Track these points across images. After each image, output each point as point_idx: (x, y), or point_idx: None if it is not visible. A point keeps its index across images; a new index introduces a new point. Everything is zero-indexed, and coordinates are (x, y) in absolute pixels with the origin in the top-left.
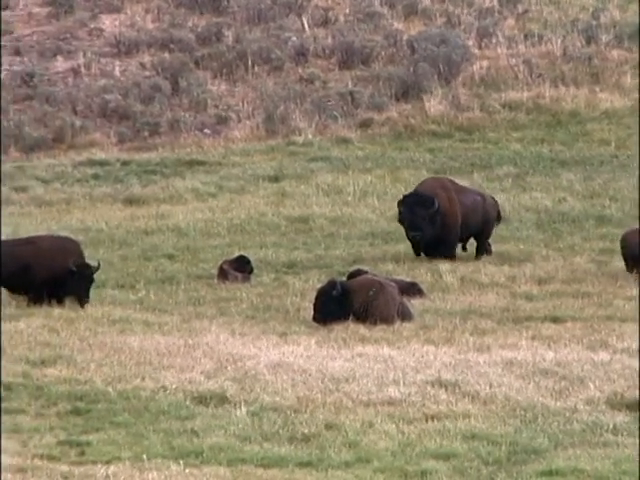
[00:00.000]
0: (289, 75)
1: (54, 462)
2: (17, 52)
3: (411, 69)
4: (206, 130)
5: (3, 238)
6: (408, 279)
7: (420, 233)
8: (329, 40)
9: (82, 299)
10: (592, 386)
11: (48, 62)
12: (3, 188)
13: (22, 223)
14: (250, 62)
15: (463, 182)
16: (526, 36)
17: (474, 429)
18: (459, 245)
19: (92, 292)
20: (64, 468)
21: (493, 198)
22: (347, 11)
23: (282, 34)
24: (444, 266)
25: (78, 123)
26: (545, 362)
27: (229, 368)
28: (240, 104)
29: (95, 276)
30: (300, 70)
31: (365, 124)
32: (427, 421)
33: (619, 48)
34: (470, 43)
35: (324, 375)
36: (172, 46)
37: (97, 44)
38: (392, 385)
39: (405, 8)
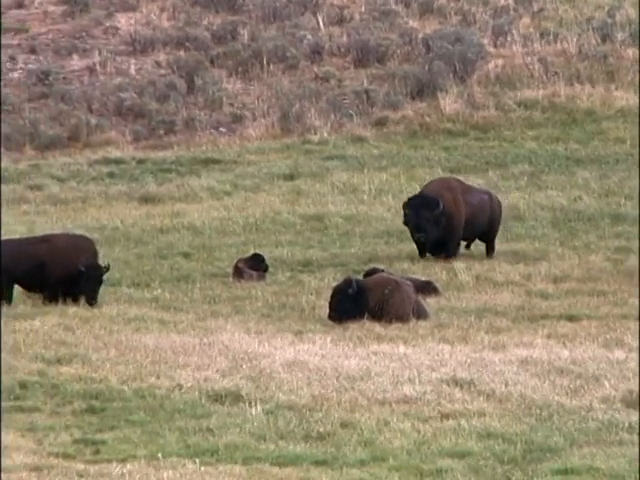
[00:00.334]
0: (304, 73)
1: (69, 460)
2: (33, 50)
3: (426, 67)
4: (221, 128)
5: (18, 236)
6: (423, 277)
7: (425, 234)
8: (344, 38)
9: (90, 299)
10: (607, 384)
11: (64, 60)
12: (18, 186)
13: (38, 221)
14: (265, 60)
15: (479, 180)
16: (541, 34)
17: (489, 427)
18: (463, 243)
19: (107, 290)
20: (79, 466)
21: (496, 196)
22: (362, 9)
23: (297, 32)
24: (459, 264)
25: (94, 121)
26: (560, 360)
27: (244, 366)
28: (255, 102)
29: (110, 275)
30: (315, 68)
31: (380, 122)
32: (442, 419)
33: (634, 46)
34: (485, 41)
35: (339, 373)
36: (187, 44)
37: (113, 42)
38: (407, 383)
39: (420, 6)
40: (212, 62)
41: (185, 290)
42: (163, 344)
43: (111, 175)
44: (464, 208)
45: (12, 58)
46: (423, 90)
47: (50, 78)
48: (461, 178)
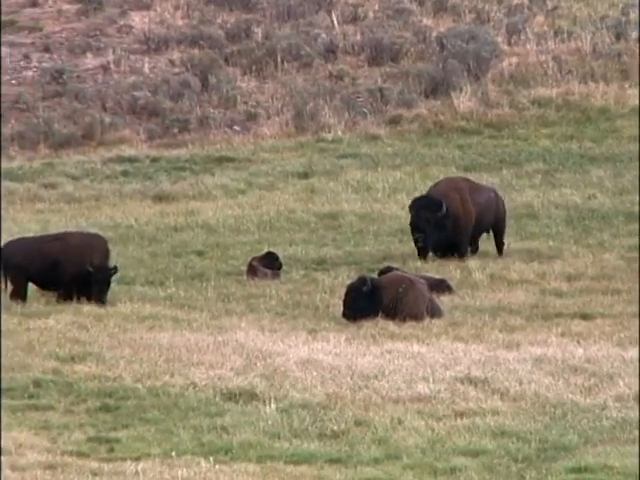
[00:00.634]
0: (318, 72)
1: (83, 459)
2: (46, 49)
3: (440, 66)
4: (235, 127)
5: (32, 235)
6: (437, 276)
7: (422, 236)
8: (358, 37)
9: (98, 300)
10: (621, 383)
11: (77, 59)
12: (32, 185)
13: (52, 220)
14: (279, 59)
15: (493, 179)
16: (555, 33)
17: (503, 426)
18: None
19: (122, 289)
20: (93, 465)
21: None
22: (376, 8)
23: (311, 31)
24: (473, 263)
25: (107, 120)
26: (575, 359)
27: (258, 365)
28: (269, 101)
29: (124, 273)
30: (329, 67)
31: (394, 121)
32: (456, 418)
33: None
34: (499, 40)
35: (353, 372)
36: (201, 43)
37: (126, 41)
38: (421, 382)
39: (434, 4)
40: (226, 60)
41: (199, 288)
42: (177, 342)
43: (125, 173)
44: (473, 207)
45: (26, 57)
46: (437, 88)
47: (64, 77)
48: (470, 177)
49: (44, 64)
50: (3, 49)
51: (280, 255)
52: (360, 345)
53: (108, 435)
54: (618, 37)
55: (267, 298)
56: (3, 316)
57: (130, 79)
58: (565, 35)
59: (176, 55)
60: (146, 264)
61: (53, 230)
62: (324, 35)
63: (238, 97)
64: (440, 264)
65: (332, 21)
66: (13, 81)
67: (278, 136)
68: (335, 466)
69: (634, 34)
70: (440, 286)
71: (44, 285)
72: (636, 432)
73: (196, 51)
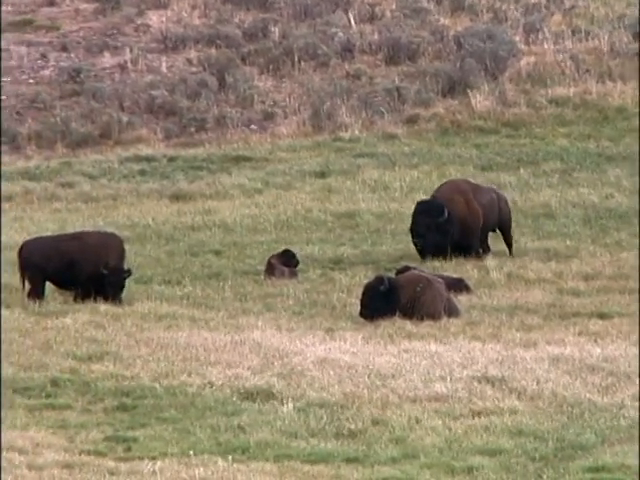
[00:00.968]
0: (335, 71)
1: (101, 458)
2: (64, 48)
3: (457, 65)
4: (252, 126)
5: (49, 234)
6: (455, 275)
7: (422, 240)
8: (375, 36)
9: (113, 300)
10: (639, 382)
11: (95, 58)
12: (49, 184)
13: (69, 219)
14: (296, 58)
15: (510, 178)
16: (573, 32)
17: (521, 425)
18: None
19: (139, 288)
20: (111, 464)
21: (504, 194)
22: (393, 7)
23: (328, 30)
24: (491, 262)
25: (125, 119)
26: (592, 358)
27: (275, 364)
28: (286, 100)
29: (141, 272)
30: (346, 66)
31: (411, 120)
32: (474, 417)
33: None
34: (517, 39)
35: (370, 371)
36: (219, 42)
37: (144, 40)
38: (439, 381)
39: (452, 3)
40: (243, 60)
41: (216, 287)
42: (194, 341)
43: (142, 173)
44: (479, 207)
45: (43, 56)
46: (454, 87)
47: (81, 76)
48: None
49: (61, 63)
50: (21, 48)
51: (297, 254)
52: (377, 344)
53: (125, 434)
54: (635, 36)
55: (284, 297)
56: (20, 316)
57: (147, 78)
58: (582, 34)
59: (193, 54)
60: (163, 263)
61: (70, 229)
62: (341, 34)
63: (255, 96)
64: (458, 263)
65: (349, 20)
66: (31, 80)
67: (295, 135)
68: (352, 465)
69: None
70: (458, 285)
71: (61, 284)
72: None
73: (213, 50)
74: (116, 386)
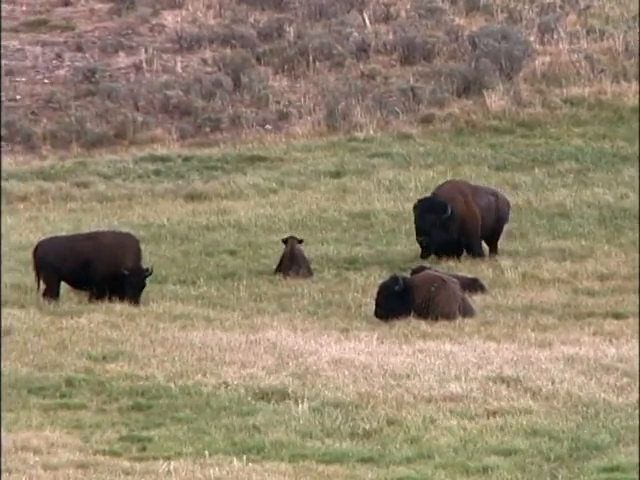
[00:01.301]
0: (350, 71)
1: (115, 458)
2: (79, 48)
3: (472, 65)
4: (267, 126)
5: (64, 234)
6: (470, 275)
7: (427, 238)
8: (390, 36)
9: (132, 301)
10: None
11: (110, 58)
12: (64, 184)
13: (84, 219)
14: (311, 58)
15: (525, 178)
16: (588, 32)
17: (536, 425)
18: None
19: (154, 288)
20: (125, 464)
21: (502, 194)
22: (408, 7)
23: (343, 30)
24: (505, 262)
25: (140, 119)
26: (607, 358)
27: (290, 364)
28: (301, 100)
29: (156, 272)
30: (361, 66)
31: (426, 120)
32: (489, 417)
33: None
34: (532, 39)
35: (385, 371)
36: (234, 42)
37: (159, 40)
38: (453, 381)
39: (467, 4)
40: (258, 59)
41: (231, 287)
42: (209, 341)
43: (157, 173)
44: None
45: (59, 56)
46: (469, 87)
47: (96, 76)
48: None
49: (76, 63)
50: (36, 48)
51: (312, 254)
52: (392, 344)
53: (140, 434)
54: None
55: (299, 297)
56: (35, 316)
57: (162, 78)
58: (597, 34)
59: (208, 54)
60: (178, 263)
61: (85, 229)
62: (356, 34)
63: (270, 96)
64: (472, 263)
65: (364, 20)
66: (46, 80)
67: (310, 135)
68: (367, 465)
69: None
70: (472, 285)
71: (76, 284)
72: None
73: (228, 50)
74: (131, 386)
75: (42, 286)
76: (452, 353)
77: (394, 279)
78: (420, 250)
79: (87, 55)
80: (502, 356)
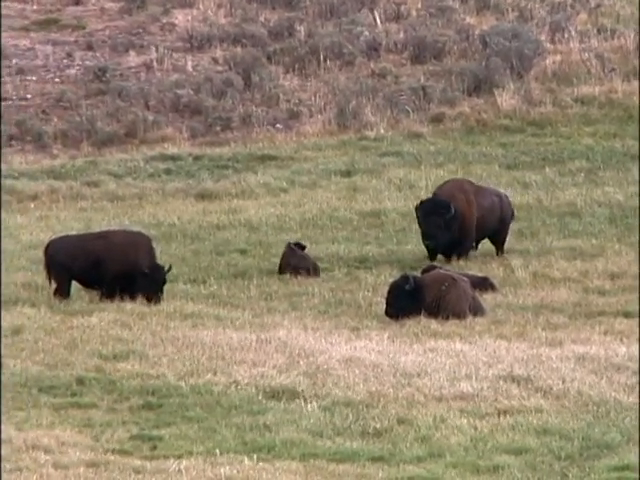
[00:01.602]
0: (361, 70)
1: (126, 457)
2: (90, 47)
3: (483, 64)
4: (278, 125)
5: (74, 233)
6: (480, 274)
7: (434, 241)
8: (401, 35)
9: (153, 299)
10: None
11: (120, 57)
12: (75, 183)
13: (94, 218)
14: (322, 57)
15: (535, 177)
16: (599, 30)
17: (546, 424)
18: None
19: (164, 287)
20: (136, 462)
21: (507, 196)
22: (419, 6)
23: (354, 29)
24: (516, 261)
25: (150, 118)
26: (618, 357)
27: (301, 363)
28: (312, 99)
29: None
30: (372, 65)
31: (437, 119)
32: (499, 416)
33: None
34: (542, 37)
35: (396, 370)
36: (244, 41)
37: (169, 39)
38: (464, 380)
39: (477, 2)
40: (269, 58)
41: (242, 286)
42: (220, 340)
43: (168, 172)
44: (476, 209)
45: (69, 55)
46: (480, 86)
47: (107, 75)
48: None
49: (87, 62)
50: (47, 47)
51: (322, 253)
52: (403, 343)
53: (151, 433)
54: None
55: (309, 296)
56: (46, 314)
57: (173, 77)
58: (608, 33)
59: (219, 53)
60: (189, 262)
61: (96, 228)
62: (367, 33)
63: (281, 95)
64: (483, 262)
65: (375, 19)
66: (56, 79)
67: (320, 134)
68: (378, 464)
69: None
70: (483, 284)
71: (87, 283)
72: None
73: (239, 49)
74: (142, 385)
75: (53, 285)
76: (463, 352)
77: (405, 278)
78: (427, 252)
79: (98, 54)
80: (513, 355)
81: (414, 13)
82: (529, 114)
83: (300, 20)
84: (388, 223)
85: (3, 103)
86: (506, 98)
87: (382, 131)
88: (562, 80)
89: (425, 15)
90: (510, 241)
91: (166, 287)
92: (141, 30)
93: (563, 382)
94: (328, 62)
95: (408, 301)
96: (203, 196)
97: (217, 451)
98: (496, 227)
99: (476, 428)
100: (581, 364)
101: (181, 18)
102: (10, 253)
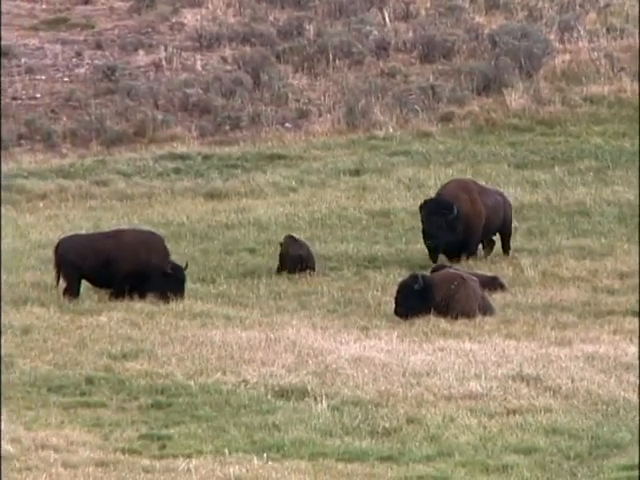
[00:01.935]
0: (370, 69)
1: (135, 456)
2: (99, 46)
3: (492, 63)
4: (287, 124)
5: (84, 232)
6: (489, 273)
7: (435, 241)
8: (410, 34)
9: (176, 296)
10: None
11: (130, 56)
12: (84, 182)
13: (103, 217)
14: (331, 56)
15: (545, 176)
16: (608, 30)
17: (555, 423)
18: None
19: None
20: (145, 462)
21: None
22: (428, 5)
23: (363, 28)
24: (525, 260)
25: (159, 117)
26: (627, 356)
27: (310, 362)
28: (321, 98)
29: None
30: (381, 64)
31: (446, 118)
32: (508, 415)
33: None
34: (552, 37)
35: (405, 369)
36: (253, 40)
37: (178, 38)
38: (473, 379)
39: (486, 2)
40: (278, 58)
41: (251, 286)
42: (229, 340)
43: (177, 171)
44: (483, 208)
45: (78, 54)
46: (489, 86)
47: (116, 74)
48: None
49: (96, 61)
50: (56, 46)
51: (332, 253)
52: (412, 342)
53: (160, 432)
54: None
55: (319, 295)
56: (55, 314)
57: (182, 76)
58: (617, 32)
59: (228, 52)
60: (198, 261)
61: (105, 227)
62: (376, 32)
63: (290, 94)
64: (492, 261)
65: (384, 18)
66: (66, 78)
67: (329, 133)
68: (387, 463)
69: None
70: (492, 283)
71: (97, 282)
72: None
73: (248, 48)
74: (151, 384)
75: (61, 284)
76: (472, 351)
77: (414, 277)
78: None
79: (107, 53)
80: (522, 354)
81: (423, 12)
82: (538, 113)
83: (309, 19)
84: (397, 222)
85: (13, 102)
86: (515, 97)
87: (391, 130)
88: (571, 79)
89: (434, 14)
90: (519, 240)
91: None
92: (150, 29)
93: (572, 381)
94: (337, 61)
95: (417, 300)
96: (212, 195)
97: (226, 450)
98: (500, 226)
99: (485, 427)
100: (590, 363)
101: (190, 17)
102: (19, 252)
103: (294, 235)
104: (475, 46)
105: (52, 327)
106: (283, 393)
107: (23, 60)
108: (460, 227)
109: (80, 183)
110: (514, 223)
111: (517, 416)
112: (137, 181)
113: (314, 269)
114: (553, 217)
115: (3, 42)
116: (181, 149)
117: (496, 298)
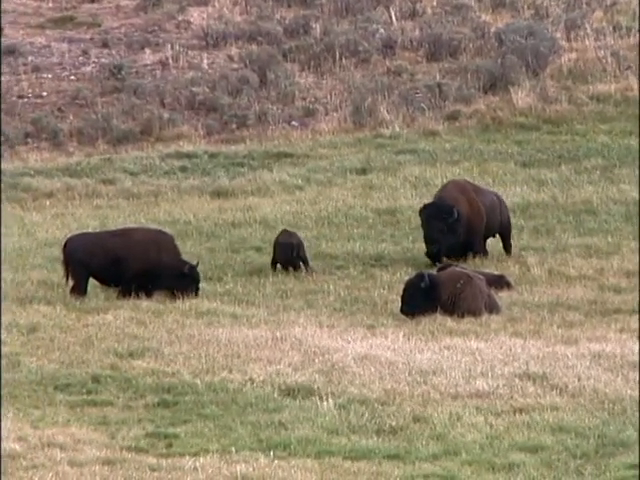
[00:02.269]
0: (376, 67)
1: (142, 454)
2: (105, 45)
3: (499, 61)
4: (294, 122)
5: (91, 230)
6: (496, 272)
7: (437, 246)
8: (417, 32)
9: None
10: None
11: (136, 55)
12: (91, 181)
13: (110, 216)
14: (338, 54)
15: (551, 174)
16: (614, 28)
17: (562, 422)
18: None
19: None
20: (152, 460)
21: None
22: (434, 3)
23: (370, 26)
24: (532, 259)
25: (166, 116)
26: (633, 355)
27: (316, 360)
28: (328, 96)
29: None
30: (388, 62)
31: (452, 116)
32: (515, 414)
33: None
34: (558, 35)
35: (411, 367)
36: (260, 39)
37: (185, 37)
38: (480, 378)
39: (493, 0)
40: (284, 56)
41: (257, 284)
42: (235, 338)
43: (183, 169)
44: (482, 207)
45: (85, 52)
46: (495, 84)
47: (122, 72)
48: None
49: (102, 60)
50: (62, 45)
51: (338, 251)
52: (418, 341)
53: (166, 431)
54: None
55: (325, 294)
56: (62, 312)
57: (188, 75)
58: (624, 30)
59: (234, 51)
60: (204, 260)
61: (111, 226)
62: (382, 31)
63: (296, 93)
64: (498, 260)
65: (390, 17)
66: (72, 77)
67: (336, 132)
68: (393, 462)
69: None
70: (498, 282)
71: (106, 281)
72: None
73: (254, 47)
74: (157, 382)
75: (70, 282)
76: (478, 350)
77: (420, 276)
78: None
79: (113, 52)
80: (528, 353)
81: (429, 11)
82: (545, 112)
83: (316, 18)
84: (404, 221)
85: (20, 101)
86: (522, 96)
87: (397, 129)
88: (578, 78)
89: (440, 12)
90: (526, 239)
91: None
92: (157, 28)
93: (579, 380)
94: (344, 60)
95: (424, 299)
96: (219, 194)
97: (233, 449)
98: (499, 225)
99: (492, 426)
100: (597, 362)
101: (196, 16)
102: (26, 251)
103: (288, 229)
104: (481, 44)
105: (58, 325)
106: (289, 391)
107: (29, 58)
108: (461, 230)
109: (86, 181)
110: (519, 222)
111: (523, 414)
112: (143, 180)
113: (306, 261)
114: (559, 215)
115: (10, 40)
116: (187, 147)
117: (502, 296)
